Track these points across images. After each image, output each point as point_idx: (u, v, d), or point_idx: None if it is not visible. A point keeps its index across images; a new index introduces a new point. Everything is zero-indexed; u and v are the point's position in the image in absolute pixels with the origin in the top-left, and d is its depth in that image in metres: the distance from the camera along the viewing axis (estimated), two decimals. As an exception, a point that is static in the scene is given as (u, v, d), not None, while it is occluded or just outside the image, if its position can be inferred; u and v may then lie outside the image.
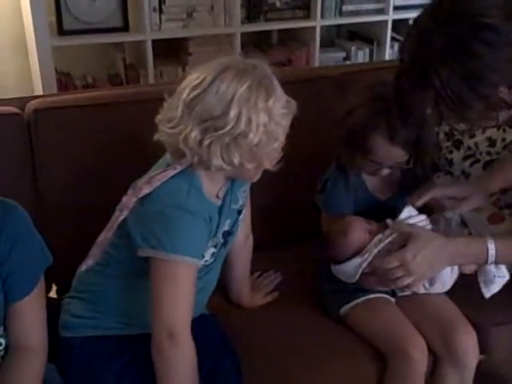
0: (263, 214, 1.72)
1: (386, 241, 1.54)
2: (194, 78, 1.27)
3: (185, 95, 1.26)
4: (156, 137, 1.30)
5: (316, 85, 1.95)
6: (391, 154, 1.58)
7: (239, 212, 1.50)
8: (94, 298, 1.44)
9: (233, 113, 1.22)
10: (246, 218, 1.59)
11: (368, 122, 1.55)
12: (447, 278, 1.61)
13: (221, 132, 1.23)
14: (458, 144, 2.06)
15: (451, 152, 2.07)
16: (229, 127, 1.23)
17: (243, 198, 1.50)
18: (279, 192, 1.81)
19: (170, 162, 1.34)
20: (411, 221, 1.56)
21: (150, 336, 1.29)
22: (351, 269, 1.57)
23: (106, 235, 1.38)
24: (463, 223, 1.64)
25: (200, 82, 1.25)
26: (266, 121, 1.24)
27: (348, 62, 2.71)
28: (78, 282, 1.49)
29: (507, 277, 1.62)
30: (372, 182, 1.70)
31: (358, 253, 1.57)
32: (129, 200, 1.31)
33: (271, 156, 1.32)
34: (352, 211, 1.64)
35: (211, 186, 1.37)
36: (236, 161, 1.27)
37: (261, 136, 1.25)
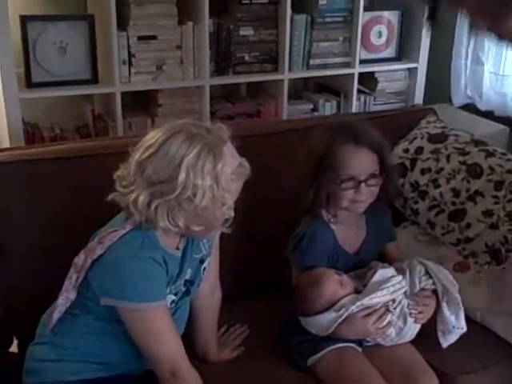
0: (232, 264, 1.73)
1: (364, 302, 1.57)
2: (148, 138, 1.31)
3: (138, 155, 1.30)
4: (110, 197, 1.33)
5: (284, 137, 2.01)
6: (360, 159, 1.61)
7: (201, 261, 1.52)
8: (59, 341, 1.42)
9: (180, 178, 1.24)
10: (212, 270, 1.59)
11: (332, 138, 1.63)
12: (412, 327, 1.64)
13: (168, 197, 1.26)
14: (423, 194, 2.12)
15: (416, 202, 2.13)
16: (176, 193, 1.25)
17: (206, 247, 1.51)
18: (248, 243, 1.82)
19: (124, 220, 1.36)
20: (388, 284, 1.60)
21: (129, 376, 1.35)
22: (324, 322, 1.59)
23: (68, 297, 1.38)
24: (427, 273, 1.67)
25: (152, 144, 1.28)
26: (213, 186, 1.27)
27: (316, 114, 2.76)
28: (42, 327, 1.47)
29: (465, 329, 1.66)
30: (342, 234, 1.73)
31: (329, 305, 1.59)
32: (84, 262, 1.32)
33: (219, 219, 1.34)
34: (324, 264, 1.66)
35: (168, 239, 1.39)
36: (181, 224, 1.30)
37: (207, 201, 1.27)
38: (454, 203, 2.05)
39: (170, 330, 1.34)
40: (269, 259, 1.80)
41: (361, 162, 1.63)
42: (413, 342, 1.67)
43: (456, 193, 2.05)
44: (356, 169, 1.62)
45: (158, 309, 1.32)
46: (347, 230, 1.74)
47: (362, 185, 1.62)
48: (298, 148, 1.79)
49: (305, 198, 1.67)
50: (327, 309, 1.58)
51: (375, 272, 1.62)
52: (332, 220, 1.71)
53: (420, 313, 1.62)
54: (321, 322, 1.58)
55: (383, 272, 1.63)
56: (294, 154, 1.78)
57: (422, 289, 1.64)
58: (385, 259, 1.78)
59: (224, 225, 1.37)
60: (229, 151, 1.31)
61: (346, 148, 1.62)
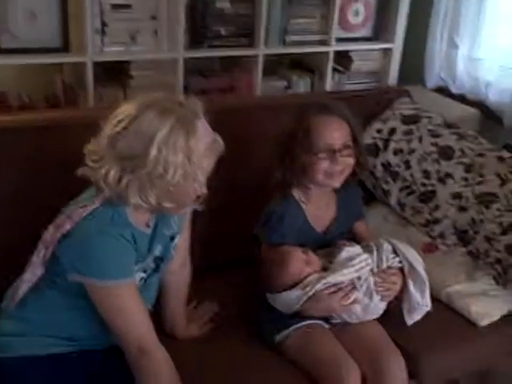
0: (202, 240, 1.72)
1: (329, 279, 1.58)
2: (120, 111, 1.29)
3: (109, 129, 1.28)
4: (80, 171, 1.31)
5: (257, 113, 2.00)
6: (334, 127, 1.63)
7: (172, 238, 1.50)
8: (26, 316, 1.40)
9: (152, 154, 1.23)
10: (182, 246, 1.59)
11: (303, 112, 1.65)
12: (379, 304, 1.66)
13: (139, 173, 1.25)
14: (394, 175, 2.15)
15: (387, 183, 2.15)
16: (147, 169, 1.24)
17: (177, 224, 1.50)
18: (219, 219, 1.81)
19: (94, 194, 1.34)
20: (354, 261, 1.61)
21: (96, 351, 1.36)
22: (290, 300, 1.60)
23: (34, 272, 1.37)
24: (394, 252, 1.69)
25: (124, 118, 1.26)
26: (185, 162, 1.26)
27: (289, 91, 2.75)
28: (7, 302, 1.45)
29: (429, 307, 1.69)
30: (312, 213, 1.74)
31: (295, 283, 1.60)
32: (53, 236, 1.31)
33: (191, 196, 1.34)
34: (293, 242, 1.67)
35: (138, 216, 1.37)
36: (153, 200, 1.29)
37: (178, 178, 1.26)
38: (424, 184, 2.07)
39: (137, 307, 1.34)
40: (239, 236, 1.80)
41: (335, 130, 1.64)
42: (379, 319, 1.69)
43: (427, 174, 2.07)
44: (331, 138, 1.63)
45: (125, 286, 1.31)
46: (317, 208, 1.75)
47: (337, 154, 1.62)
48: (270, 125, 1.80)
49: (276, 174, 1.68)
50: (293, 286, 1.59)
51: (341, 250, 1.64)
52: (303, 199, 1.72)
53: (386, 290, 1.64)
54: (286, 300, 1.59)
55: (349, 250, 1.64)
56: (267, 131, 1.79)
57: (389, 267, 1.66)
58: (354, 238, 1.80)
59: (196, 201, 1.37)
60: (202, 126, 1.29)
61: (318, 118, 1.64)
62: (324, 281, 1.58)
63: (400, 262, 1.67)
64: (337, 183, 1.69)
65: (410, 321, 1.68)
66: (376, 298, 1.63)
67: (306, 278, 1.60)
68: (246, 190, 1.86)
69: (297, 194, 1.72)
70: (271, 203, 1.71)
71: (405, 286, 1.67)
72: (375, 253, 1.66)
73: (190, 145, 1.25)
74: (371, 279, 1.62)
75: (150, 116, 1.24)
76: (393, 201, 2.14)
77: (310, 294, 1.57)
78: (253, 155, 1.90)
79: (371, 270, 1.63)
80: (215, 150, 1.33)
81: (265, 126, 1.92)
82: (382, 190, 2.17)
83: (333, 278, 1.59)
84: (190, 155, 1.25)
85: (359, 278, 1.61)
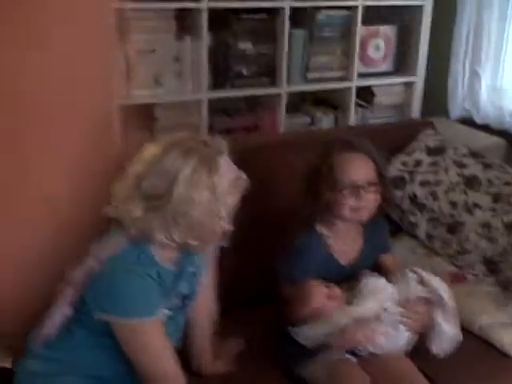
0: (228, 276, 1.72)
1: (353, 313, 1.57)
2: (145, 152, 1.32)
3: (134, 169, 1.30)
4: (106, 210, 1.33)
5: (282, 150, 2.02)
6: (359, 164, 1.64)
7: (195, 274, 1.50)
8: (51, 355, 1.40)
9: (176, 192, 1.25)
10: (208, 284, 1.59)
11: (327, 149, 1.67)
12: (405, 334, 1.63)
13: (164, 211, 1.26)
14: (421, 207, 2.14)
15: (414, 215, 2.15)
16: (171, 207, 1.25)
17: (201, 260, 1.51)
18: (244, 255, 1.82)
19: (120, 234, 1.34)
20: (379, 294, 1.60)
21: None
22: (313, 333, 1.59)
23: (63, 313, 1.37)
24: (420, 282, 1.67)
25: (149, 158, 1.29)
26: (208, 199, 1.27)
27: (313, 127, 2.77)
28: (31, 342, 1.44)
29: (460, 337, 1.66)
30: (336, 246, 1.73)
31: (317, 318, 1.59)
32: (81, 278, 1.33)
33: (216, 233, 1.34)
34: (315, 276, 1.66)
35: (164, 254, 1.37)
36: (177, 238, 1.30)
37: (202, 214, 1.27)
38: (452, 216, 2.07)
39: (163, 344, 1.34)
40: (263, 272, 1.80)
41: (359, 167, 1.65)
42: (408, 353, 1.67)
43: (454, 205, 2.07)
44: (355, 174, 1.64)
45: (151, 324, 1.31)
46: (343, 243, 1.74)
47: (362, 191, 1.63)
48: (295, 161, 1.83)
49: (301, 210, 1.68)
50: (315, 320, 1.59)
51: (366, 283, 1.63)
52: (326, 232, 1.72)
53: (413, 321, 1.62)
54: (308, 333, 1.59)
55: (373, 282, 1.63)
56: (291, 168, 1.82)
57: (415, 297, 1.64)
58: (380, 271, 1.78)
59: (221, 238, 1.37)
60: (225, 163, 1.31)
61: (342, 155, 1.65)
62: (346, 317, 1.57)
63: (426, 291, 1.65)
64: (364, 217, 1.69)
65: (439, 352, 1.66)
66: (401, 329, 1.61)
67: (329, 311, 1.59)
68: (271, 226, 1.87)
69: (320, 228, 1.72)
70: (296, 238, 1.71)
71: (432, 316, 1.65)
72: (400, 283, 1.64)
73: (214, 181, 1.27)
74: (396, 310, 1.61)
75: (174, 155, 1.27)
76: (421, 233, 2.13)
77: (333, 327, 1.56)
78: (277, 192, 1.91)
79: (396, 301, 1.62)
80: (239, 186, 1.34)
81: (289, 162, 1.94)
82: (409, 223, 2.17)
83: (357, 313, 1.58)
84: (214, 192, 1.27)
85: (384, 310, 1.60)
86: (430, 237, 2.11)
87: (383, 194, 1.69)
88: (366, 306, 1.58)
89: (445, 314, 1.65)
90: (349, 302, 1.62)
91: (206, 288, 1.58)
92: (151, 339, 1.32)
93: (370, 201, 1.66)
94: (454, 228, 2.05)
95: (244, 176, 1.36)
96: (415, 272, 1.67)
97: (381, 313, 1.59)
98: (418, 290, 1.65)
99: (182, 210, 1.25)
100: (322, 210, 1.67)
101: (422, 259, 2.08)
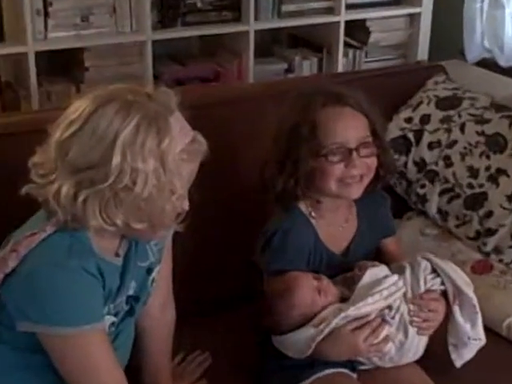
0: (188, 274, 1.74)
1: (349, 312, 1.58)
2: (72, 110, 1.29)
3: (58, 134, 1.28)
4: (24, 190, 1.31)
5: (251, 106, 2.02)
6: (348, 120, 1.65)
7: (149, 271, 1.51)
8: None
9: (114, 161, 1.23)
10: (163, 283, 1.60)
11: (307, 102, 1.66)
12: (416, 340, 1.65)
13: (99, 186, 1.25)
14: (431, 176, 2.16)
15: (423, 186, 2.17)
16: (110, 180, 1.24)
17: (154, 253, 1.51)
18: (207, 245, 1.84)
19: (44, 219, 1.33)
20: (381, 286, 1.62)
21: None
22: (301, 341, 1.60)
23: None
24: (434, 272, 1.69)
25: (76, 118, 1.27)
26: (158, 169, 1.26)
27: (291, 76, 2.76)
28: None
29: (483, 341, 1.69)
30: (325, 230, 1.75)
31: (306, 319, 1.61)
32: None
33: (168, 213, 1.33)
34: (303, 269, 1.69)
35: (105, 242, 1.37)
36: (119, 221, 1.29)
37: (151, 190, 1.27)
38: (471, 186, 2.09)
39: (108, 361, 1.33)
40: (235, 265, 1.82)
41: (349, 124, 1.66)
42: (419, 361, 1.69)
43: (473, 172, 2.09)
44: (344, 134, 1.64)
45: (92, 334, 1.30)
46: (332, 225, 1.76)
47: (354, 154, 1.63)
48: (267, 120, 1.82)
49: (276, 182, 1.68)
50: (303, 324, 1.60)
51: (364, 273, 1.64)
52: (313, 213, 1.73)
53: (425, 321, 1.64)
54: (296, 342, 1.60)
55: (373, 272, 1.65)
56: (264, 129, 1.80)
57: (428, 290, 1.66)
58: (382, 259, 1.80)
59: (175, 221, 1.37)
60: (177, 123, 1.30)
61: (327, 110, 1.66)
62: (343, 314, 1.58)
63: (442, 283, 1.67)
64: (355, 193, 1.69)
65: (458, 361, 1.69)
66: (412, 332, 1.63)
67: (320, 311, 1.60)
68: (239, 205, 1.88)
69: (304, 207, 1.73)
70: (271, 219, 1.72)
71: (450, 314, 1.67)
72: (408, 273, 1.66)
73: (163, 147, 1.26)
74: (405, 308, 1.62)
75: (110, 113, 1.25)
76: (432, 209, 2.15)
77: (326, 331, 1.57)
78: (245, 161, 1.92)
79: (404, 296, 1.64)
80: (196, 152, 1.34)
81: (260, 121, 1.94)
82: (416, 196, 2.19)
83: (355, 310, 1.58)
84: (164, 160, 1.26)
85: (390, 308, 1.61)
86: (443, 214, 2.13)
87: (381, 160, 1.70)
88: (367, 303, 1.59)
89: (464, 312, 1.67)
90: (344, 300, 1.64)
91: (160, 287, 1.58)
92: (93, 354, 1.31)
93: (365, 168, 1.66)
94: (473, 202, 2.07)
95: (202, 139, 1.36)
96: (427, 259, 1.69)
97: (386, 312, 1.61)
98: (431, 282, 1.66)
99: (124, 184, 1.24)
100: (302, 183, 1.67)
101: (436, 244, 2.10)
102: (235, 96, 2.10)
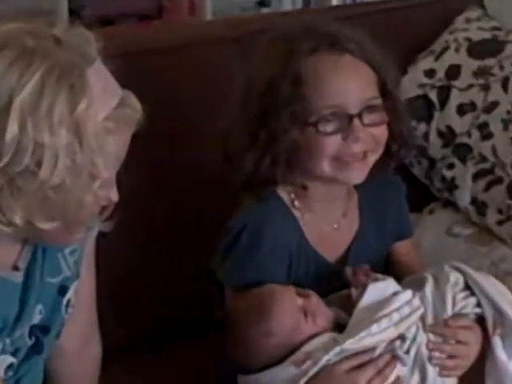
0: (116, 297, 1.78)
1: (347, 346, 1.57)
2: None
3: None
4: None
5: (207, 52, 2.02)
6: (348, 75, 1.66)
7: (62, 290, 1.51)
8: None
9: (10, 133, 1.21)
10: (83, 305, 1.61)
11: (291, 47, 1.66)
12: (438, 382, 1.65)
13: None
14: (463, 152, 2.17)
15: (451, 166, 2.18)
16: (3, 161, 1.22)
17: (71, 265, 1.52)
18: (145, 253, 1.87)
19: None
20: (389, 308, 1.60)
21: None
22: (282, 380, 1.60)
23: None
24: (467, 288, 1.68)
25: None
26: (72, 144, 1.25)
27: (266, 11, 2.76)
28: None
29: None
30: (314, 229, 1.76)
31: (287, 351, 1.60)
32: None
33: (88, 207, 1.32)
34: (282, 281, 1.68)
35: None
36: (18, 219, 1.27)
37: (62, 174, 1.25)
38: None
39: None
40: (184, 279, 1.85)
41: (349, 79, 1.66)
42: None
43: None
44: (342, 93, 1.64)
45: None
46: (324, 219, 1.77)
47: (356, 122, 1.63)
48: (233, 74, 1.85)
49: (245, 161, 1.69)
50: (281, 359, 1.59)
51: (364, 290, 1.63)
52: (296, 202, 1.73)
53: (451, 357, 1.63)
54: (273, 381, 1.61)
55: (377, 288, 1.64)
56: (227, 86, 1.83)
57: (457, 315, 1.66)
58: (393, 271, 1.81)
59: (98, 218, 1.36)
60: (99, 78, 1.29)
61: (317, 59, 1.66)
62: (338, 348, 1.56)
63: (478, 305, 1.67)
64: (357, 177, 1.69)
65: None
66: (432, 373, 1.62)
67: (304, 342, 1.59)
68: (191, 195, 1.91)
69: (285, 194, 1.73)
70: (238, 214, 1.73)
71: (488, 349, 1.66)
72: (430, 289, 1.66)
73: (79, 112, 1.23)
74: (423, 337, 1.61)
75: (3, 65, 1.23)
76: (463, 199, 2.17)
77: (313, 372, 1.56)
78: (200, 132, 1.94)
79: (422, 322, 1.63)
80: (126, 119, 1.33)
81: (221, 76, 1.96)
82: (442, 181, 2.21)
83: (354, 343, 1.58)
84: (81, 131, 1.24)
85: (402, 339, 1.60)
86: (479, 206, 2.15)
87: (394, 130, 1.71)
88: (370, 332, 1.58)
89: (509, 346, 1.67)
90: (340, 326, 1.63)
91: (81, 313, 1.60)
92: None
93: (371, 142, 1.67)
94: None
95: (135, 101, 1.34)
96: (458, 270, 1.69)
97: (397, 345, 1.60)
98: (462, 303, 1.66)
99: (23, 166, 1.22)
100: (283, 161, 1.68)
101: (467, 247, 2.11)
102: (185, 40, 2.08)
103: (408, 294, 1.63)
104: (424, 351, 1.61)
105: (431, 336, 1.62)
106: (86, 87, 1.25)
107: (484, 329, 1.67)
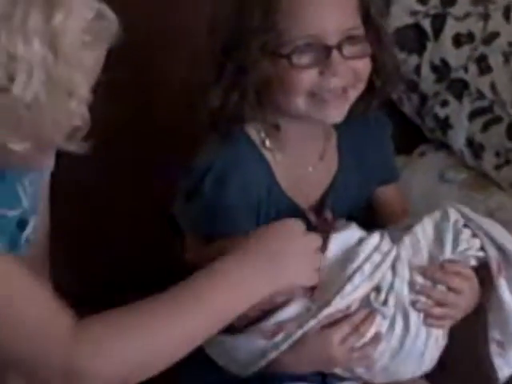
0: (71, 246, 1.81)
1: (322, 315, 1.54)
2: None
3: None
4: None
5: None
6: (322, 3, 1.62)
7: (21, 224, 1.49)
8: None
9: None
10: (37, 248, 1.61)
11: None
12: (423, 334, 1.61)
13: None
14: (458, 87, 2.10)
15: (445, 103, 2.12)
16: None
17: (30, 196, 1.51)
18: (103, 190, 1.89)
19: None
20: (358, 260, 1.56)
21: None
22: (249, 351, 1.58)
23: None
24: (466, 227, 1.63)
25: None
26: (47, 57, 1.22)
27: None
28: None
29: None
30: (286, 171, 1.72)
31: (259, 316, 1.57)
32: None
33: (62, 125, 1.30)
34: (251, 229, 1.61)
35: None
36: None
37: (36, 89, 1.22)
38: None
39: (36, 288, 1.32)
40: (144, 222, 1.89)
41: (327, 6, 1.61)
42: (432, 376, 1.67)
43: None
44: (318, 21, 1.60)
45: None
46: (298, 162, 1.73)
47: (335, 54, 1.57)
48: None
49: (210, 95, 1.64)
50: (248, 324, 1.57)
51: (326, 242, 1.59)
52: (267, 141, 1.70)
53: (439, 304, 1.60)
54: (242, 350, 1.59)
55: (340, 239, 1.60)
56: (193, 12, 1.85)
57: (456, 260, 1.61)
58: (376, 217, 1.83)
59: (72, 139, 1.33)
60: None
61: None
62: (313, 321, 1.53)
63: (481, 248, 1.62)
64: (336, 115, 1.65)
65: (505, 368, 1.66)
66: (416, 321, 1.58)
67: (275, 310, 1.55)
68: (151, 129, 1.92)
69: (254, 133, 1.70)
70: (202, 153, 1.70)
71: (492, 295, 1.63)
72: (422, 230, 1.61)
73: (56, 22, 1.20)
74: (404, 283, 1.57)
75: None
76: (458, 140, 2.13)
77: (284, 347, 1.54)
78: (164, 58, 1.93)
79: (397, 263, 1.58)
80: (102, 32, 1.30)
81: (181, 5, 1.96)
82: (434, 120, 2.17)
83: (329, 309, 1.54)
84: (58, 43, 1.21)
85: (377, 290, 1.57)
86: (476, 148, 2.11)
87: (378, 63, 1.68)
88: (344, 295, 1.55)
89: None
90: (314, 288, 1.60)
91: (34, 258, 1.57)
92: (10, 288, 1.29)
93: (351, 76, 1.63)
94: None
95: (110, 14, 1.30)
96: (459, 211, 1.65)
97: (371, 298, 1.57)
98: (464, 245, 1.61)
99: None
100: (253, 96, 1.64)
101: (461, 193, 2.09)
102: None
103: (375, 237, 1.59)
104: (406, 297, 1.57)
105: (419, 279, 1.58)
106: None
107: (488, 274, 1.64)
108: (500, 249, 1.63)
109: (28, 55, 1.20)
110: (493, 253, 1.62)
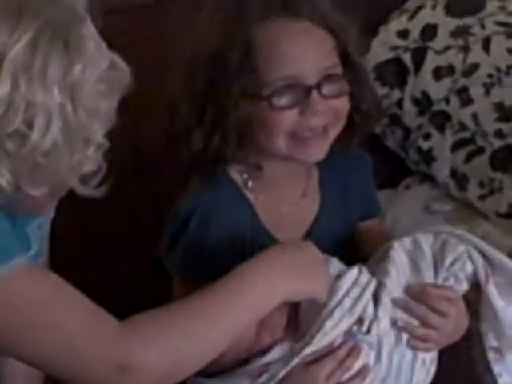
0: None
1: (305, 354, 1.53)
2: None
3: None
4: None
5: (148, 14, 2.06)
6: (304, 41, 1.63)
7: None
8: None
9: (1, 91, 1.19)
10: None
11: (238, 13, 1.64)
12: (408, 359, 1.60)
13: None
14: (440, 120, 2.12)
15: (428, 136, 2.12)
16: None
17: (38, 239, 1.52)
18: (90, 243, 1.92)
19: None
20: (337, 295, 1.55)
21: None
22: None
23: None
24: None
25: None
26: (65, 106, 1.23)
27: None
28: None
29: None
30: (269, 211, 1.74)
31: (245, 359, 1.57)
32: None
33: (77, 170, 1.30)
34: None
35: None
36: (5, 182, 1.25)
37: (55, 136, 1.22)
38: (500, 134, 2.06)
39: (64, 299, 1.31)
40: (135, 264, 1.92)
41: (306, 46, 1.62)
42: None
43: (504, 113, 2.06)
44: (298, 63, 1.61)
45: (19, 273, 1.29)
46: (280, 200, 1.74)
47: (314, 94, 1.59)
48: (177, 38, 1.81)
49: (192, 138, 1.65)
50: (234, 367, 1.56)
51: None
52: (250, 183, 1.70)
53: (426, 326, 1.59)
54: None
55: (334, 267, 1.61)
56: (171, 52, 1.83)
57: (445, 286, 1.62)
58: (360, 252, 1.79)
59: (87, 184, 1.34)
60: (91, 38, 1.28)
61: (270, 25, 1.63)
62: (296, 359, 1.52)
63: (462, 266, 1.63)
64: (317, 153, 1.66)
65: (504, 375, 1.66)
66: (406, 351, 1.57)
67: (263, 353, 1.55)
68: (134, 175, 1.96)
69: (237, 175, 1.71)
70: (185, 197, 1.70)
71: (481, 297, 1.63)
72: (400, 253, 1.61)
73: (74, 72, 1.22)
74: (385, 310, 1.55)
75: None
76: (442, 172, 2.14)
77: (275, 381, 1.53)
78: (143, 105, 1.91)
79: (382, 290, 1.57)
80: (116, 82, 1.31)
81: (162, 40, 2.05)
82: (418, 153, 2.18)
83: (312, 348, 1.53)
84: (76, 92, 1.23)
85: (360, 322, 1.55)
86: (459, 179, 2.11)
87: (357, 100, 1.69)
88: (326, 333, 1.54)
89: (504, 292, 1.64)
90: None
91: None
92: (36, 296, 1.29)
93: (331, 115, 1.64)
94: (505, 159, 2.05)
95: (122, 64, 1.32)
96: (439, 233, 1.67)
97: (354, 331, 1.56)
98: (454, 268, 1.62)
99: (16, 125, 1.20)
100: (234, 138, 1.65)
101: (447, 223, 2.07)
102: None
103: (353, 272, 1.59)
104: (386, 321, 1.58)
105: (401, 296, 1.59)
106: (82, 47, 1.24)
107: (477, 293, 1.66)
108: (484, 255, 1.64)
109: (47, 103, 1.21)
110: (479, 261, 1.62)
